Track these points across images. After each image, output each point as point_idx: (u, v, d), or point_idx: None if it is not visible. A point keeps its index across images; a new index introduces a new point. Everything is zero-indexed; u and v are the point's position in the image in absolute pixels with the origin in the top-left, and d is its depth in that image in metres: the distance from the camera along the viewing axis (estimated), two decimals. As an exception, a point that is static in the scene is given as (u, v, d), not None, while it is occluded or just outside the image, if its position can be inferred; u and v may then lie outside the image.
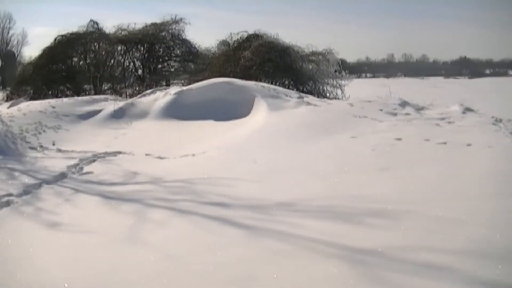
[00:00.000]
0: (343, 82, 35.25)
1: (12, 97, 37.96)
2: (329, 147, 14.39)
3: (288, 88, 29.04)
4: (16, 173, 14.67)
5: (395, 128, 15.78)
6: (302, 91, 28.34)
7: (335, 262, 7.03)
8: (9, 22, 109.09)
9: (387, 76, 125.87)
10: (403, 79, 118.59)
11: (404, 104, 19.89)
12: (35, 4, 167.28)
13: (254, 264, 7.18)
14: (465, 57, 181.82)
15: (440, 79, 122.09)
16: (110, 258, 7.85)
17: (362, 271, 6.75)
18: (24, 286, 7.05)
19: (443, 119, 17.13)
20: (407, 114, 18.05)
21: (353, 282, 6.52)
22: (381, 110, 18.24)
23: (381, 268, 6.83)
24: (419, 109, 19.39)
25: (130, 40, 40.39)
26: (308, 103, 20.03)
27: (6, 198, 11.80)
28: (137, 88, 36.60)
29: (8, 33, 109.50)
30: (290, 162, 13.34)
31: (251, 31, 37.55)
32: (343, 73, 35.79)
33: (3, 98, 40.54)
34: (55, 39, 40.53)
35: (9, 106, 26.67)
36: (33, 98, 34.80)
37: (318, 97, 27.09)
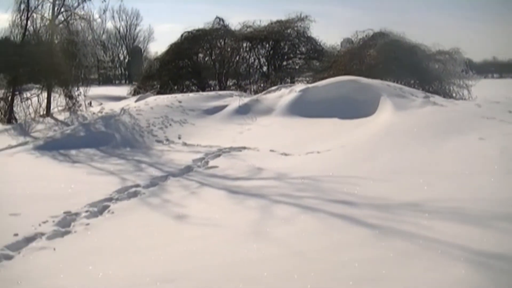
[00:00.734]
0: (469, 82, 34.41)
1: (139, 91, 38.86)
2: (456, 148, 13.99)
3: (413, 87, 28.45)
4: (143, 165, 15.03)
5: (525, 130, 15.19)
6: (428, 91, 27.75)
7: (463, 265, 6.80)
8: (137, 19, 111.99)
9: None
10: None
11: (535, 105, 19.15)
12: (162, 1, 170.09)
13: (380, 264, 7.02)
14: None
15: None
16: (235, 252, 7.88)
17: (491, 276, 6.50)
18: (153, 275, 7.13)
19: None
20: (538, 116, 17.35)
21: (482, 287, 6.28)
22: (510, 111, 17.60)
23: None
24: (550, 111, 18.63)
25: (256, 37, 40.62)
26: (434, 103, 19.58)
27: (133, 189, 12.14)
28: (261, 85, 36.73)
29: (135, 29, 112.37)
30: (417, 162, 13.05)
31: (376, 29, 37.19)
32: (470, 73, 34.94)
33: (130, 92, 41.51)
34: (182, 36, 41.29)
35: (137, 100, 27.26)
36: (159, 92, 35.57)
37: (444, 97, 26.42)
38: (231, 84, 39.54)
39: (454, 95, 32.64)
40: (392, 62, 32.44)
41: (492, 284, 6.33)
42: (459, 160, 12.91)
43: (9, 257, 8.11)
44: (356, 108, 20.34)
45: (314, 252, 7.61)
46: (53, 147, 18.18)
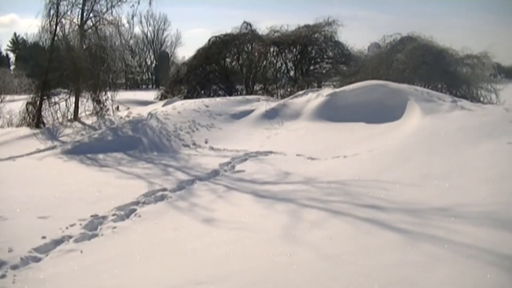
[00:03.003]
0: (498, 86, 34.14)
1: (167, 95, 39.01)
2: (485, 152, 13.86)
3: (441, 91, 28.31)
4: (170, 169, 15.11)
5: (555, 134, 15.02)
6: (456, 95, 27.56)
7: (494, 270, 6.80)
8: (164, 24, 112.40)
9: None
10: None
11: None
12: (190, 6, 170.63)
13: (411, 268, 7.04)
14: None
15: None
16: (266, 255, 7.92)
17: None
18: (183, 278, 7.18)
19: None
20: None
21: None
22: (540, 115, 17.41)
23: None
24: None
25: (283, 41, 40.50)
26: (462, 108, 19.46)
27: (161, 193, 12.25)
28: (288, 89, 36.69)
29: (163, 34, 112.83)
30: (447, 166, 12.94)
31: (404, 34, 37.02)
32: (498, 77, 34.66)
33: (157, 97, 41.68)
34: (209, 40, 41.33)
35: (164, 105, 27.37)
36: (186, 97, 35.59)
37: (472, 101, 26.25)
38: (258, 88, 39.47)
39: (482, 99, 32.40)
40: (420, 67, 32.29)
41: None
42: (488, 165, 12.79)
43: (37, 260, 8.22)
44: (384, 112, 20.26)
45: (344, 256, 7.65)
46: (81, 151, 18.34)
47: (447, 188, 11.19)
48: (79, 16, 28.22)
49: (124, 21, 33.89)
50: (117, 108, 30.26)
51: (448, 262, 7.13)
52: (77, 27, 28.23)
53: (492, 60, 34.72)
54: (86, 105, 28.44)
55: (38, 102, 27.09)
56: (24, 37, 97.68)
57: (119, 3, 28.85)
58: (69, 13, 28.09)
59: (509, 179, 11.38)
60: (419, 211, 9.66)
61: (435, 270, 6.91)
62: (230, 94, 35.85)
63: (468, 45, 35.40)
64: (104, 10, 28.70)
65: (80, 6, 28.12)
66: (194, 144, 19.07)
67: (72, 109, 27.74)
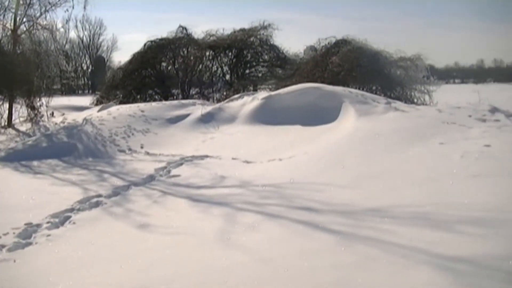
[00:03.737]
0: (431, 88, 34.62)
1: (102, 101, 38.63)
2: (418, 153, 14.10)
3: (376, 93, 28.58)
4: (106, 175, 15.00)
5: (485, 134, 15.28)
6: (390, 97, 27.88)
7: (426, 268, 6.93)
8: (100, 28, 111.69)
9: (476, 82, 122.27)
10: (493, 85, 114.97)
11: (494, 110, 19.13)
12: (126, 11, 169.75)
13: (346, 269, 7.14)
14: None
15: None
16: (202, 259, 7.93)
17: (454, 279, 6.61)
18: (118, 284, 7.17)
19: (536, 126, 16.53)
20: (497, 120, 17.37)
21: (443, 290, 6.39)
22: (470, 116, 17.71)
23: (473, 276, 6.67)
24: (509, 115, 18.69)
25: (219, 45, 40.61)
26: (396, 109, 19.71)
27: (95, 199, 12.12)
28: (224, 93, 36.75)
29: (99, 39, 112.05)
30: (380, 168, 13.14)
31: (339, 37, 37.30)
32: (431, 78, 35.15)
33: (93, 102, 41.25)
34: (145, 45, 41.07)
35: (99, 110, 27.14)
36: (122, 102, 35.29)
37: (405, 103, 26.55)
38: (194, 92, 39.44)
39: (415, 100, 32.77)
40: (354, 69, 32.53)
41: (455, 286, 6.42)
42: (421, 165, 13.01)
43: (-31, 270, 8.08)
44: (319, 115, 20.37)
45: (279, 259, 7.69)
46: (14, 158, 18.05)
47: (381, 189, 11.36)
48: (12, 21, 27.92)
49: (59, 25, 33.60)
50: (52, 114, 29.85)
51: (383, 262, 7.24)
52: (10, 32, 27.91)
53: (425, 62, 35.17)
54: (20, 111, 28.10)
55: (-30, 109, 26.70)
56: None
57: (53, 8, 28.65)
58: (1, 17, 27.83)
59: (441, 179, 11.60)
60: (353, 213, 9.76)
61: (370, 271, 7.01)
62: (166, 99, 35.74)
63: (403, 48, 35.59)
64: (38, 14, 28.49)
65: (13, 10, 27.86)
66: (129, 149, 18.97)
67: (5, 115, 27.38)
